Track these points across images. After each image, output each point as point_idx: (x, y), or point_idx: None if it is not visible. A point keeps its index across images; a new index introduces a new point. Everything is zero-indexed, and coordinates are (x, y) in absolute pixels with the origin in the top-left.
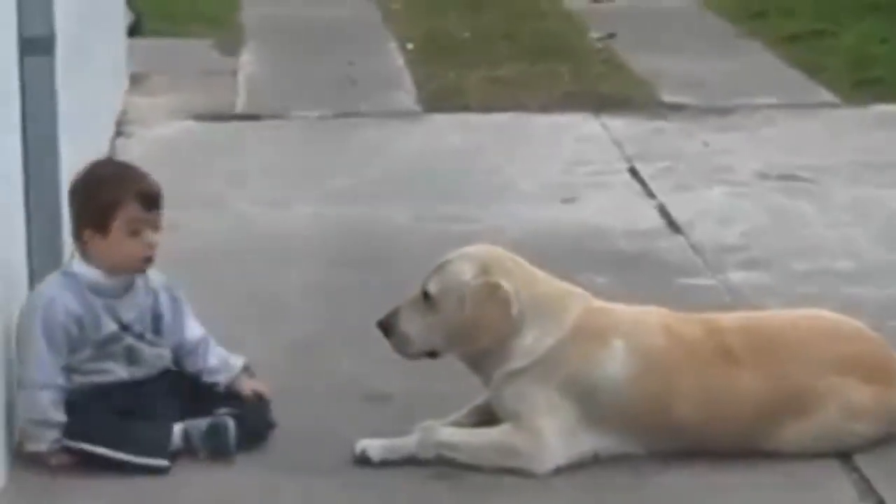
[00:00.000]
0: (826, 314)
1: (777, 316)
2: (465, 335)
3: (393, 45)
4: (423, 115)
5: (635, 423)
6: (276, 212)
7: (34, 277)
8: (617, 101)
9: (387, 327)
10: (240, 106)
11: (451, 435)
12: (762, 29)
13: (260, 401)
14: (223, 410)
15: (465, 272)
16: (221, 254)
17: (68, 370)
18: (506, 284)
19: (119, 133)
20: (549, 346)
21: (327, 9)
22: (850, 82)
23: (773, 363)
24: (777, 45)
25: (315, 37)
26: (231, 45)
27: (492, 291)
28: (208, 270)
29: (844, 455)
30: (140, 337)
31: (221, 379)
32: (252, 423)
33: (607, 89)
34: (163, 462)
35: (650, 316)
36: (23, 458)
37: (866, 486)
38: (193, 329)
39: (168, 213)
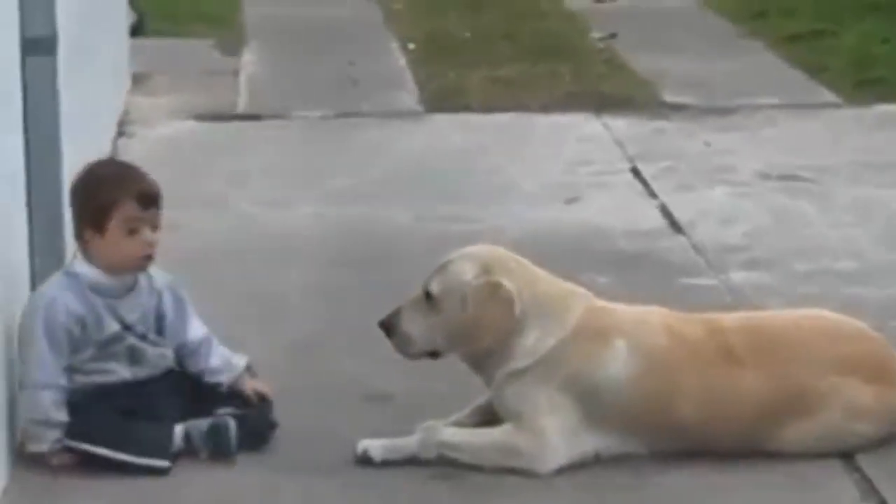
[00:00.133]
0: (827, 314)
1: (779, 316)
2: (466, 335)
3: (394, 45)
4: (425, 116)
5: (637, 422)
6: (277, 212)
7: (35, 278)
8: (618, 101)
9: (388, 327)
10: (241, 106)
11: (453, 435)
12: (763, 29)
13: (262, 401)
14: (224, 410)
15: (467, 272)
16: (222, 253)
17: (71, 370)
18: (508, 284)
19: (121, 133)
20: (550, 345)
21: (328, 9)
22: (851, 82)
23: (775, 363)
24: (778, 45)
25: (316, 37)
26: (232, 45)
27: (494, 291)
28: (209, 270)
29: (846, 455)
30: (143, 337)
31: (224, 379)
32: (254, 424)
33: (609, 89)
34: (164, 463)
35: (652, 316)
36: (24, 458)
37: (868, 487)
38: (196, 329)
39: (169, 213)
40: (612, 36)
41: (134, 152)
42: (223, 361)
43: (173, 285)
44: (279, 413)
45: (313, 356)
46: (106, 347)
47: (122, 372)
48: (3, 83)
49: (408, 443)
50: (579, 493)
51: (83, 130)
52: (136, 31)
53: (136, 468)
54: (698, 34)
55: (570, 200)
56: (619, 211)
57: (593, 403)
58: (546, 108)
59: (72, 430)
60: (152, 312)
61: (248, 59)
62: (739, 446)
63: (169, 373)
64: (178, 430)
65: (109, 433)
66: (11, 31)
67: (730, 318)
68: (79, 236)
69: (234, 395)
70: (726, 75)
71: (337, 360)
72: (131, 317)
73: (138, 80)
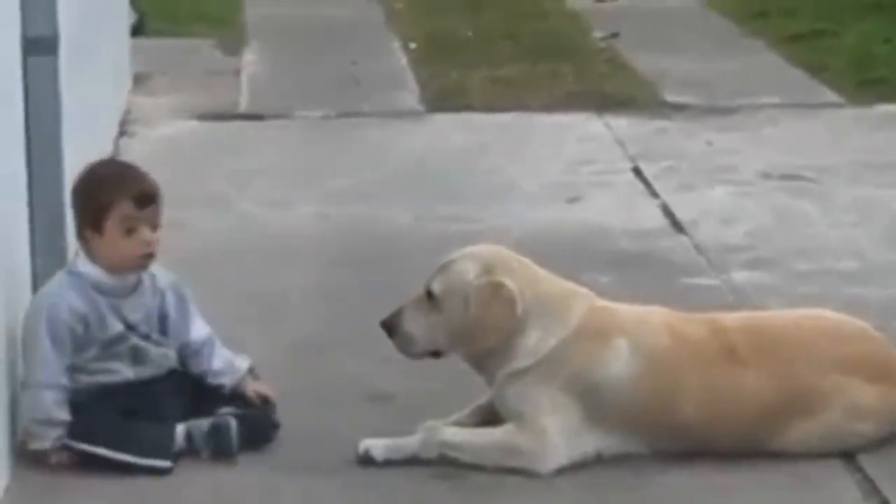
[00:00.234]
0: (829, 314)
1: (780, 316)
2: (469, 335)
3: (396, 45)
4: (426, 115)
5: (639, 422)
6: (278, 211)
7: (37, 278)
8: (620, 100)
9: (390, 327)
10: (243, 106)
11: (454, 435)
12: (765, 29)
13: (265, 403)
14: (226, 410)
15: (469, 272)
16: (223, 253)
17: (74, 370)
18: (510, 284)
19: (122, 133)
20: (552, 345)
21: (330, 8)
22: (853, 82)
23: (777, 363)
24: (780, 45)
25: (318, 36)
26: (234, 44)
27: (496, 291)
28: (210, 270)
29: (848, 455)
30: (146, 337)
31: (226, 381)
32: (256, 424)
33: (610, 89)
34: (165, 463)
35: (654, 316)
36: (26, 458)
37: (870, 487)
38: (199, 330)
39: (170, 213)
40: (614, 35)
41: (135, 152)
42: (226, 363)
43: (176, 285)
44: (281, 413)
45: (314, 356)
46: (109, 347)
47: (125, 372)
48: (4, 83)
49: (409, 442)
50: (580, 492)
51: (84, 130)
52: (137, 30)
53: (138, 468)
54: (700, 34)
55: (572, 200)
56: (620, 211)
57: (595, 403)
58: (547, 108)
59: (74, 431)
60: (155, 312)
61: (250, 58)
62: (741, 446)
63: (172, 373)
64: (180, 429)
65: (111, 433)
66: (13, 31)
67: (731, 318)
68: (80, 236)
69: (236, 396)
70: (728, 75)
71: (338, 360)
72: (134, 316)
73: (139, 79)
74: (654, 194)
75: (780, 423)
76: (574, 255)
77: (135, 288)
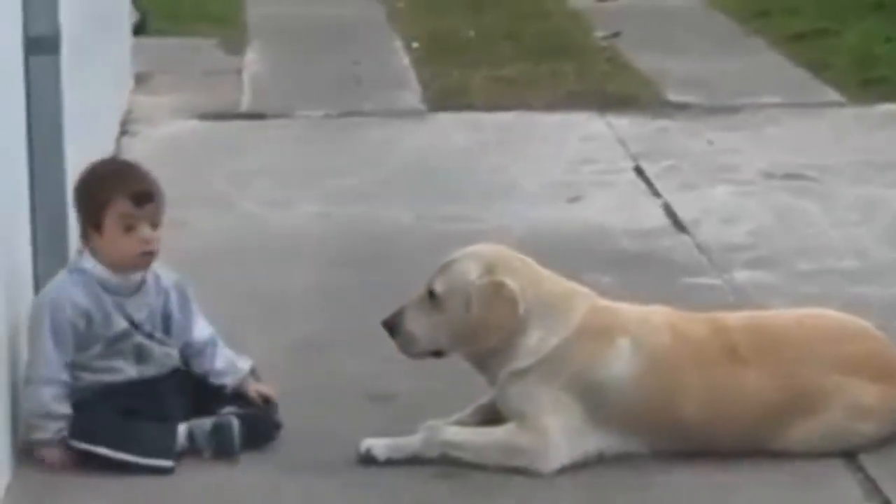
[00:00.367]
0: (831, 313)
1: (782, 315)
2: (470, 334)
3: (398, 45)
4: (428, 115)
5: (641, 422)
6: (279, 211)
7: (39, 278)
8: (622, 99)
9: (392, 327)
10: (244, 105)
11: (456, 434)
12: (766, 28)
13: (266, 404)
14: (228, 410)
15: (471, 271)
16: (224, 252)
17: (78, 368)
18: (511, 283)
19: (124, 132)
20: (554, 345)
21: (332, 8)
22: (855, 81)
23: (779, 362)
24: (781, 44)
25: (320, 36)
26: (236, 44)
27: (498, 290)
28: (211, 269)
29: (849, 455)
30: (149, 336)
31: (228, 381)
32: (258, 423)
33: (612, 88)
34: (167, 463)
35: (655, 315)
36: (27, 457)
37: (872, 486)
38: (202, 330)
39: (171, 212)
40: (616, 35)
41: (137, 151)
42: (228, 364)
43: (180, 284)
44: (282, 412)
45: (315, 355)
46: (114, 344)
47: (128, 370)
48: (5, 82)
49: (411, 442)
50: (582, 492)
51: (86, 130)
52: (138, 30)
53: (140, 468)
54: (701, 33)
55: (573, 199)
56: (622, 210)
57: (597, 402)
58: (549, 107)
59: (76, 430)
60: (159, 311)
61: (251, 58)
62: (743, 445)
63: (174, 372)
64: (182, 429)
65: (113, 433)
66: (14, 31)
67: (733, 318)
68: (83, 235)
69: (238, 396)
70: (729, 74)
71: (339, 360)
72: (139, 315)
73: (141, 79)
74: (656, 194)
75: (782, 423)
76: (575, 255)
77: (139, 287)
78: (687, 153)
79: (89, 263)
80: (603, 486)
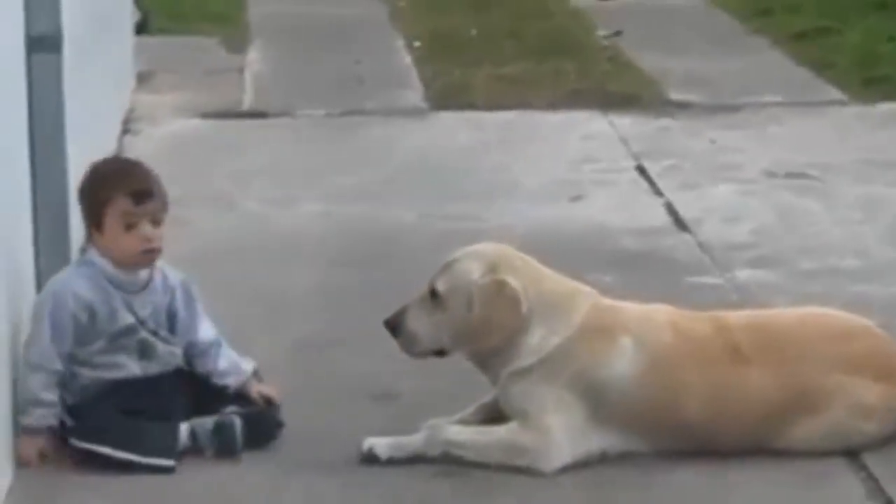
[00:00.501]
0: (833, 312)
1: (784, 314)
2: (473, 334)
3: (400, 43)
4: (430, 113)
5: (643, 421)
6: (282, 210)
7: (41, 277)
8: (624, 98)
9: (394, 326)
10: (246, 104)
11: (458, 433)
12: (768, 26)
13: (269, 405)
14: (230, 409)
15: (473, 270)
16: (226, 251)
17: (78, 363)
18: (514, 283)
19: (126, 131)
20: (556, 344)
21: (334, 7)
22: (857, 80)
23: (781, 361)
24: (784, 43)
25: (322, 35)
26: (238, 43)
27: (500, 290)
28: (213, 268)
29: (852, 453)
30: (154, 333)
31: (231, 382)
32: (261, 422)
33: (614, 87)
34: (169, 462)
35: (658, 314)
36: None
37: (874, 485)
38: (207, 330)
39: (173, 211)
40: (618, 34)
41: (139, 150)
42: (231, 365)
43: (186, 283)
44: (283, 411)
45: (317, 354)
46: (117, 339)
47: (131, 366)
48: (7, 81)
49: (413, 441)
50: (584, 491)
51: (88, 129)
52: (140, 28)
53: (142, 467)
54: (703, 32)
55: (575, 198)
56: (623, 209)
57: (599, 401)
58: (551, 106)
59: (78, 430)
60: (164, 309)
61: (254, 56)
62: (745, 444)
63: (178, 371)
64: (184, 428)
65: (115, 432)
66: (16, 29)
67: (736, 316)
68: (88, 233)
69: (240, 396)
70: (731, 73)
71: (341, 359)
72: (143, 312)
73: (143, 78)
74: (658, 192)
75: (784, 422)
76: (577, 254)
77: (146, 284)
78: (689, 152)
79: (97, 258)
80: (605, 485)
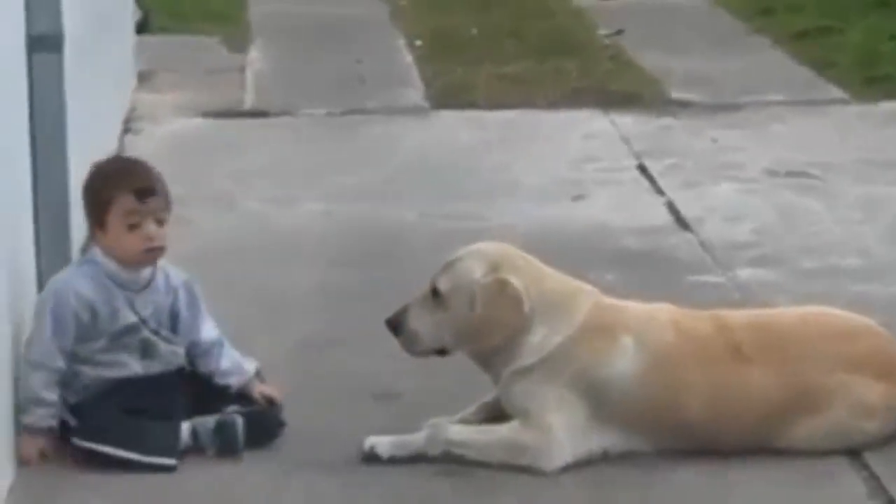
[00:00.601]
0: (835, 311)
1: (786, 313)
2: (474, 333)
3: (401, 42)
4: (431, 112)
5: (644, 420)
6: (283, 209)
7: (42, 277)
8: (625, 97)
9: (396, 325)
10: (247, 103)
11: (460, 432)
12: (770, 26)
13: (271, 405)
14: (232, 408)
15: (475, 270)
16: (227, 251)
17: (79, 361)
18: (516, 282)
19: (127, 130)
20: (558, 343)
21: (335, 6)
22: (858, 79)
23: (783, 360)
24: (785, 42)
25: (323, 34)
26: (239, 42)
27: (502, 289)
28: (214, 267)
29: (854, 452)
30: (156, 332)
31: (233, 382)
32: (262, 422)
33: (615, 86)
34: (171, 461)
35: (659, 313)
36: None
37: (876, 484)
38: (209, 330)
39: (174, 210)
40: (619, 32)
41: (140, 149)
42: (233, 365)
43: (189, 283)
44: (285, 411)
45: (318, 354)
46: (119, 338)
47: (133, 365)
48: (8, 81)
49: (415, 439)
50: (586, 490)
51: (89, 128)
52: (141, 28)
53: (143, 466)
54: (705, 31)
55: (577, 197)
56: (625, 208)
57: (601, 400)
58: (553, 105)
59: (79, 429)
60: (167, 309)
61: (255, 55)
62: (746, 443)
63: (180, 370)
64: (186, 427)
65: (116, 431)
66: (17, 29)
67: (737, 315)
68: (91, 232)
69: (242, 396)
70: (733, 72)
71: (342, 358)
72: (145, 312)
73: (144, 77)
74: (660, 191)
75: (786, 421)
76: (579, 253)
77: (148, 283)
78: (690, 151)
79: (101, 257)
80: (606, 484)
